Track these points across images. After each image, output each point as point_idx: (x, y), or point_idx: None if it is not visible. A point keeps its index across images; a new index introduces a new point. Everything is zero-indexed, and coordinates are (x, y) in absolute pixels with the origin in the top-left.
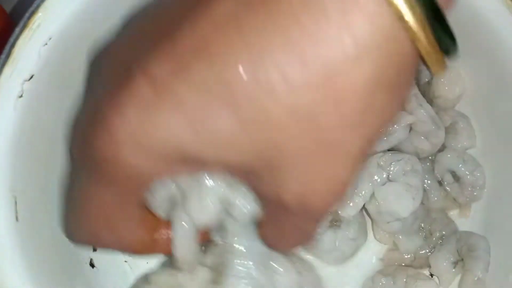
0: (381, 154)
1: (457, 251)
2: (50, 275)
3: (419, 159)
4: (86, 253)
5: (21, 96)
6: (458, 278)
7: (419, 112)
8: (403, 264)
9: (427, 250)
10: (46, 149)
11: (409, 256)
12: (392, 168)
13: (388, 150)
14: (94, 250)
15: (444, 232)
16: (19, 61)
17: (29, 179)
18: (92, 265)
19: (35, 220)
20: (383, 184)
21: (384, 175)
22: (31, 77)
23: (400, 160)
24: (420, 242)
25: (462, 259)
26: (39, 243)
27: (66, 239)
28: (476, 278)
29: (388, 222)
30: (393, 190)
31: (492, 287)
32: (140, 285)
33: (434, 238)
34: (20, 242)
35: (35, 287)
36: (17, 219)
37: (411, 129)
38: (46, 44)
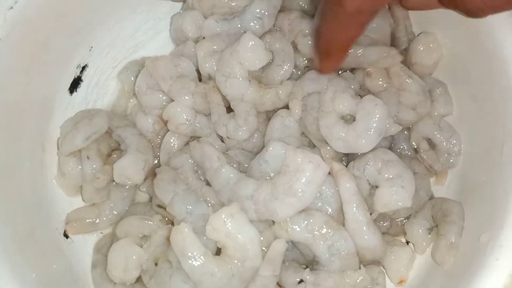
0: (351, 163)
1: (432, 217)
2: (22, 240)
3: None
4: (59, 223)
5: None
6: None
7: (409, 85)
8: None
9: (403, 218)
10: (17, 110)
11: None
12: (366, 172)
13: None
14: (66, 236)
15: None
16: None
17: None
18: (66, 235)
19: (8, 187)
20: (370, 193)
21: (366, 183)
22: None
23: (369, 160)
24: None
25: (437, 226)
26: (12, 211)
27: (39, 207)
28: (449, 243)
29: (393, 213)
30: (382, 195)
31: (464, 250)
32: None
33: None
34: None
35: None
36: None
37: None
38: (12, 8)
